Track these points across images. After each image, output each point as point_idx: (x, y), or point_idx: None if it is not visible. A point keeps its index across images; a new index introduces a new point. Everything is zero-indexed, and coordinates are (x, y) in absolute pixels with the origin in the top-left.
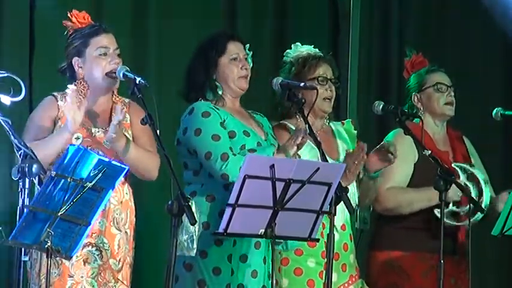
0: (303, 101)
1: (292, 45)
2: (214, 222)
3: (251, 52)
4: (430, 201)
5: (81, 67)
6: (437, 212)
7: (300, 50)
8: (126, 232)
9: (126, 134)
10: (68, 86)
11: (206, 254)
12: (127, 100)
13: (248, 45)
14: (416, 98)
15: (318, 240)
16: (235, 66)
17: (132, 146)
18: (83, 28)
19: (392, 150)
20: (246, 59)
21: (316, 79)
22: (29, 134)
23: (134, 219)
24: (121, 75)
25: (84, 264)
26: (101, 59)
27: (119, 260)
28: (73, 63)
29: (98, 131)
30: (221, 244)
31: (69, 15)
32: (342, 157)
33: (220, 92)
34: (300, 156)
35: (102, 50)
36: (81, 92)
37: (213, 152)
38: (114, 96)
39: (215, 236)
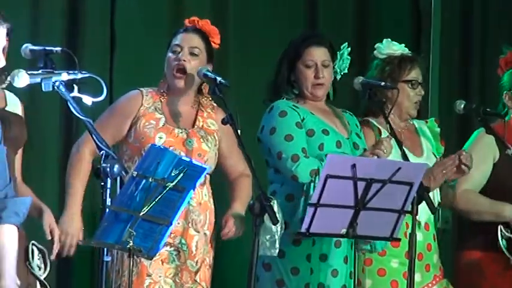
0: (384, 100)
1: (384, 41)
2: (293, 222)
3: (348, 49)
4: (498, 217)
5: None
6: (500, 234)
7: (393, 48)
8: (205, 233)
9: (213, 137)
10: None
11: (284, 254)
12: (214, 105)
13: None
14: (507, 96)
15: (399, 239)
16: (310, 73)
17: (239, 205)
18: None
19: (468, 162)
20: (326, 65)
21: (409, 82)
22: (101, 119)
23: (214, 220)
24: (201, 75)
25: (162, 264)
26: (171, 58)
27: (197, 261)
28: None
29: (181, 132)
30: (299, 244)
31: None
32: (425, 155)
33: (297, 92)
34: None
35: (174, 48)
36: (163, 88)
37: (284, 152)
38: (202, 98)
39: (293, 236)
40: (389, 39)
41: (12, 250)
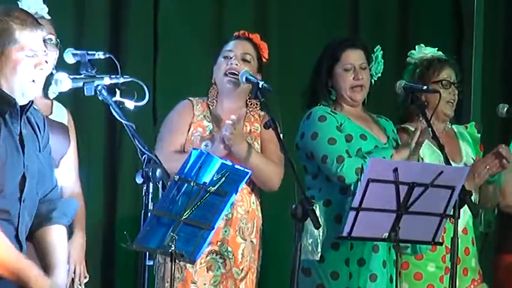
0: (426, 104)
1: (416, 47)
2: (330, 227)
3: (381, 52)
4: None
5: (214, 73)
6: None
7: (424, 51)
8: (252, 241)
9: (254, 143)
10: (231, 116)
11: (323, 259)
12: (262, 113)
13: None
14: None
15: (441, 243)
16: (349, 76)
17: (254, 154)
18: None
19: (507, 155)
20: (364, 68)
21: (440, 82)
22: (165, 140)
23: (261, 228)
24: (244, 79)
25: (207, 272)
26: (223, 62)
27: (242, 269)
28: (212, 71)
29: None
30: (338, 248)
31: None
32: (465, 160)
33: (334, 98)
34: (422, 159)
35: (227, 53)
36: (213, 96)
37: (329, 155)
38: (249, 106)
39: (331, 241)
40: (422, 45)
41: (63, 249)
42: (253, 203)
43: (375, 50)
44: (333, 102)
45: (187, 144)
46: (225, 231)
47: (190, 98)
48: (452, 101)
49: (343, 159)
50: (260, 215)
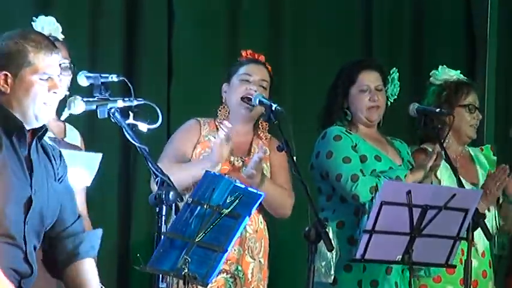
0: (439, 126)
1: (439, 68)
2: (343, 249)
3: (397, 74)
4: None
5: (225, 92)
6: None
7: (449, 73)
8: (260, 261)
9: (264, 165)
10: (224, 122)
11: (336, 281)
12: (269, 135)
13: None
14: None
15: (455, 266)
16: (365, 97)
17: (267, 182)
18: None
19: None
20: (380, 89)
21: (467, 107)
22: (167, 155)
23: (268, 248)
24: (257, 101)
25: None
26: (240, 85)
27: None
28: (222, 88)
29: (237, 160)
30: (351, 270)
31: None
32: (481, 182)
33: (349, 119)
34: (440, 181)
35: (245, 77)
36: (224, 116)
37: (344, 173)
38: (259, 130)
39: (344, 263)
40: (444, 66)
41: (95, 282)
42: (261, 222)
43: (391, 72)
44: (348, 122)
45: None
46: (235, 250)
47: (197, 118)
48: (476, 125)
49: (357, 177)
50: (267, 235)
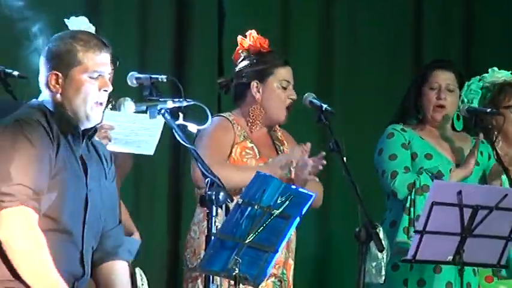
0: (489, 127)
1: (489, 70)
2: (393, 247)
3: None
4: None
5: (259, 92)
6: None
7: (497, 75)
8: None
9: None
10: (308, 144)
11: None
12: (281, 129)
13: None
14: None
15: (506, 267)
16: (433, 95)
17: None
18: (267, 53)
19: None
20: (450, 90)
21: (510, 108)
22: (214, 154)
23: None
24: (307, 102)
25: None
26: (281, 91)
27: None
28: (251, 85)
29: (273, 160)
30: (397, 269)
31: (249, 34)
32: None
33: (420, 117)
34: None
35: (285, 84)
36: (258, 116)
37: (387, 170)
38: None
39: (392, 262)
40: (494, 68)
41: (127, 283)
42: None
43: (472, 79)
44: (417, 122)
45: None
46: (282, 253)
47: (224, 116)
48: None
49: (396, 174)
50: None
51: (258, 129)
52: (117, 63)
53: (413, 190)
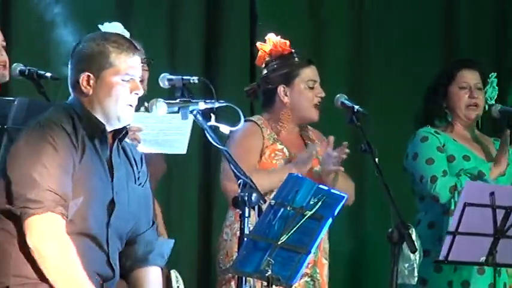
0: None
1: None
2: (434, 250)
3: (495, 80)
4: None
5: (287, 95)
6: None
7: None
8: (328, 261)
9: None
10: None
11: (426, 282)
12: (310, 127)
13: (494, 74)
14: None
15: None
16: (464, 94)
17: (340, 178)
18: (287, 56)
19: None
20: (479, 88)
21: None
22: (243, 162)
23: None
24: (339, 103)
25: None
26: (308, 91)
27: None
28: (278, 90)
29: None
30: (441, 271)
31: (268, 38)
32: None
33: (449, 119)
34: None
35: (311, 84)
36: (289, 119)
37: (425, 174)
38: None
39: (435, 263)
40: None
41: None
42: None
43: (490, 75)
44: (446, 123)
45: (268, 167)
46: (314, 252)
47: (253, 120)
48: None
49: (436, 178)
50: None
51: (290, 130)
52: (151, 63)
53: (456, 192)
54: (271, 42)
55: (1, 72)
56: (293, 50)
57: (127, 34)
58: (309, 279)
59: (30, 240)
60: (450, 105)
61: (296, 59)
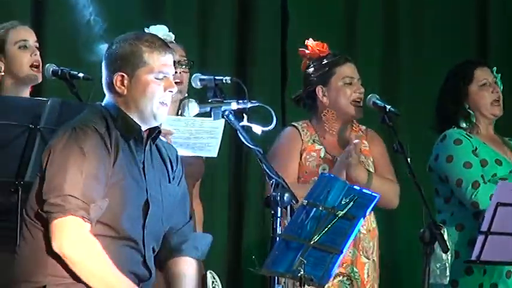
0: None
1: None
2: (464, 251)
3: (499, 75)
4: None
5: (325, 95)
6: None
7: None
8: (373, 260)
9: (368, 161)
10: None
11: (457, 284)
12: (364, 127)
13: (495, 68)
14: None
15: None
16: (487, 91)
17: (374, 179)
18: (324, 57)
19: None
20: (495, 83)
21: None
22: (281, 168)
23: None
24: (371, 103)
25: None
26: (346, 88)
27: None
28: (316, 91)
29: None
30: (472, 273)
31: (306, 43)
32: None
33: (473, 120)
34: None
35: (348, 80)
36: (331, 119)
37: (464, 179)
38: (354, 125)
39: (465, 265)
40: None
41: (191, 281)
42: (373, 221)
43: (492, 70)
44: (467, 125)
45: (302, 170)
46: (350, 252)
47: (294, 124)
48: None
49: (478, 184)
50: (377, 233)
51: (337, 131)
52: (192, 65)
53: None
54: (309, 47)
55: (35, 73)
56: (330, 52)
57: (172, 37)
58: (344, 279)
59: (55, 245)
60: (472, 106)
61: (332, 58)
